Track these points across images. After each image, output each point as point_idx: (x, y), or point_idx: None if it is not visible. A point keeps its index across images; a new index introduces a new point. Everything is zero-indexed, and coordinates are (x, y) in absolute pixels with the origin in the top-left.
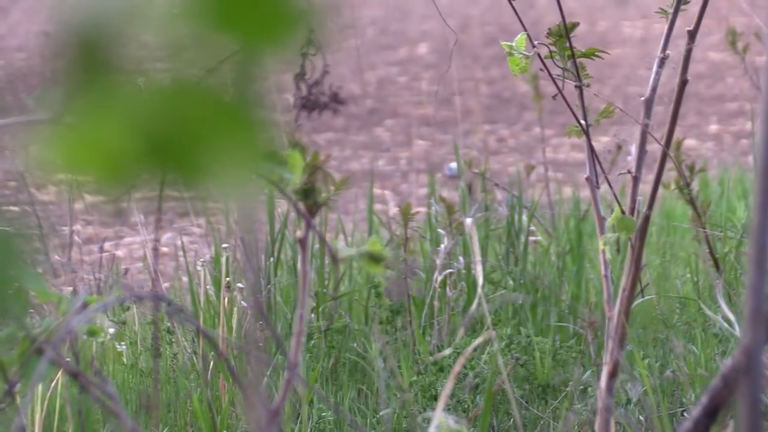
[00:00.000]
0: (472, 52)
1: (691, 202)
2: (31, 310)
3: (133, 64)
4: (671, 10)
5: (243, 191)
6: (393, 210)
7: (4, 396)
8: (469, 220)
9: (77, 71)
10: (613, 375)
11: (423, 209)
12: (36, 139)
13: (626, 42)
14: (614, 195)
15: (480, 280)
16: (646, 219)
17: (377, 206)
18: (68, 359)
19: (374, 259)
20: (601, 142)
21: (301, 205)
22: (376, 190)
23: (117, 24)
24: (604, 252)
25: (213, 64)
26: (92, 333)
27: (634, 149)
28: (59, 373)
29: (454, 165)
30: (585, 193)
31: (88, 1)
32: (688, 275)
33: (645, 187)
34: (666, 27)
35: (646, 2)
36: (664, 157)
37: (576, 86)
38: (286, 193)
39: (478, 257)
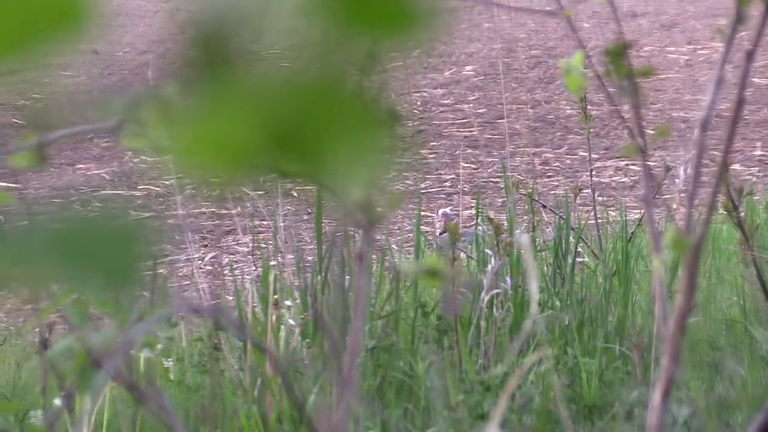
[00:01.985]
0: (517, 75)
1: (739, 224)
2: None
3: (259, 59)
4: (728, 30)
5: (361, 189)
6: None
7: (61, 408)
8: (525, 237)
9: (202, 63)
10: (667, 393)
11: (469, 230)
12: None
13: (670, 67)
14: (668, 214)
15: (535, 296)
16: (702, 237)
17: (422, 228)
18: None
19: (433, 274)
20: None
21: (361, 219)
22: (422, 212)
23: (244, 17)
24: (658, 271)
25: (341, 61)
26: (149, 345)
27: (681, 172)
28: (107, 387)
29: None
30: (631, 216)
31: None
32: (735, 298)
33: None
34: (724, 46)
35: (692, 27)
36: (720, 173)
37: (633, 105)
38: (347, 206)
39: (532, 273)
